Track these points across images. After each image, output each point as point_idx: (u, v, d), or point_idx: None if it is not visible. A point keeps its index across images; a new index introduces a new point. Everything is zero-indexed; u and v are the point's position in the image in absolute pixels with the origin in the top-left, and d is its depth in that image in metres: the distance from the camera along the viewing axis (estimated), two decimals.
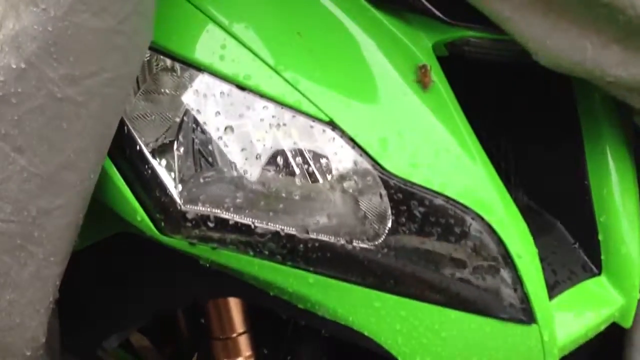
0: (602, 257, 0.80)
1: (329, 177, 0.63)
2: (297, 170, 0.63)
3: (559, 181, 0.84)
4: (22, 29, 0.49)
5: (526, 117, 0.83)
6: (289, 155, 0.63)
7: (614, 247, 0.79)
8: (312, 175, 0.63)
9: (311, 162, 0.63)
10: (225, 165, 0.63)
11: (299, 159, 0.63)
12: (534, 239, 0.73)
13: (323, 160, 0.63)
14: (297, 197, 0.63)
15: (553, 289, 0.78)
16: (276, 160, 0.63)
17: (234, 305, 0.86)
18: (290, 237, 0.62)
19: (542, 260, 0.77)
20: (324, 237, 0.63)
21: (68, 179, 0.56)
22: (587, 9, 0.57)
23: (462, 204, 0.64)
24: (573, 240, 0.83)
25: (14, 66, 0.50)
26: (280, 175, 0.62)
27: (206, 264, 0.68)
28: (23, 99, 0.51)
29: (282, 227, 0.62)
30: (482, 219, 0.65)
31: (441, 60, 0.69)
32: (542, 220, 0.86)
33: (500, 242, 0.66)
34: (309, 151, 0.63)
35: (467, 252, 0.65)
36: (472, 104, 0.73)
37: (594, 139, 0.80)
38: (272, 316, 0.84)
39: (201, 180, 0.64)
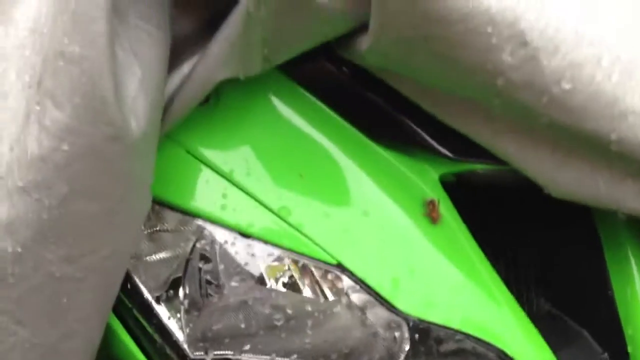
0: None
1: (341, 318, 0.62)
2: (310, 313, 0.61)
3: (583, 290, 0.81)
4: (16, 216, 0.49)
5: (544, 226, 0.81)
6: (299, 300, 0.61)
7: None
8: (326, 316, 0.61)
9: (322, 307, 0.61)
10: (240, 312, 0.62)
11: (309, 307, 0.61)
12: (559, 349, 0.71)
13: (333, 304, 0.62)
14: (308, 344, 0.61)
15: None
16: (286, 307, 0.61)
17: None
18: None
19: None
20: None
21: (71, 346, 0.55)
22: (597, 151, 0.55)
23: (484, 341, 0.62)
24: (602, 351, 0.80)
25: (9, 250, 0.50)
26: (291, 323, 0.61)
27: None
28: (21, 280, 0.51)
29: None
30: (506, 355, 0.62)
31: (451, 185, 0.68)
32: (567, 329, 0.82)
33: None
34: (320, 295, 0.61)
35: None
36: (485, 216, 0.71)
37: (614, 246, 0.77)
38: None
39: (212, 327, 0.62)
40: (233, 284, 0.61)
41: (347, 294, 0.61)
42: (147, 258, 0.64)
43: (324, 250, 0.61)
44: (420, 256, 0.63)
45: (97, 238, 0.51)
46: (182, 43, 0.57)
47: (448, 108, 0.59)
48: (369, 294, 0.61)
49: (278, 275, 0.61)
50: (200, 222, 0.61)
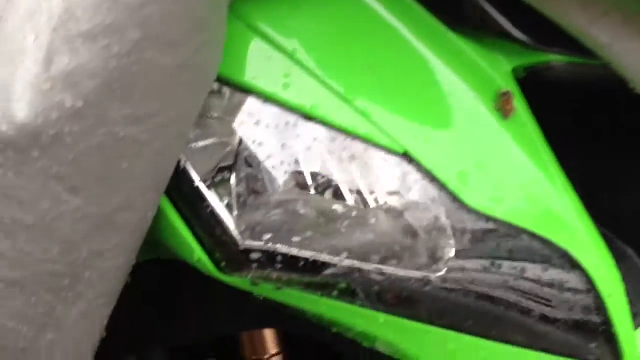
0: None
1: (403, 214, 0.59)
2: (371, 205, 0.58)
3: (630, 208, 0.79)
4: (79, 65, 0.45)
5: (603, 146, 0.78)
6: (360, 190, 0.58)
7: None
8: (386, 212, 0.58)
9: (383, 198, 0.58)
10: (291, 201, 0.58)
11: (370, 196, 0.58)
12: None
13: (396, 196, 0.58)
14: (370, 235, 0.58)
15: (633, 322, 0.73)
16: (346, 195, 0.58)
17: (268, 332, 0.84)
18: (364, 277, 0.58)
19: None
20: (401, 275, 0.58)
21: (125, 220, 0.52)
22: None
23: (549, 241, 0.60)
24: None
25: (69, 104, 0.45)
26: (353, 213, 0.58)
27: (260, 297, 0.64)
28: (79, 138, 0.47)
29: (357, 267, 0.58)
30: (570, 256, 0.60)
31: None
32: (615, 248, 0.81)
33: (589, 280, 0.61)
34: (381, 186, 0.58)
35: (554, 291, 0.60)
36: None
37: None
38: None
39: (263, 214, 0.59)
40: (290, 169, 0.58)
41: (414, 184, 0.58)
42: (194, 144, 0.60)
43: (391, 139, 0.58)
44: (490, 150, 0.60)
45: (166, 97, 0.47)
46: None
47: None
48: (436, 186, 0.58)
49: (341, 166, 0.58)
50: (255, 102, 0.58)
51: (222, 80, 0.57)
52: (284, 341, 0.87)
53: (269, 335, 0.86)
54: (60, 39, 0.44)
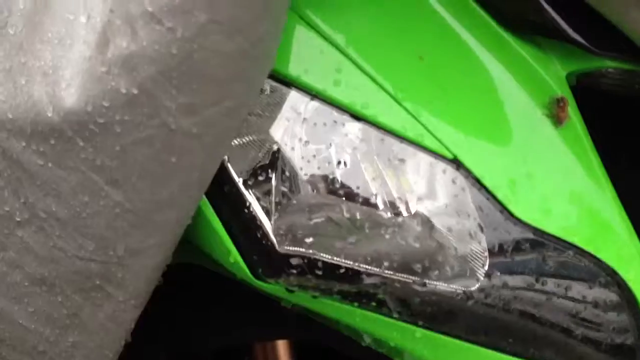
0: None
1: (448, 223, 0.56)
2: (415, 212, 0.56)
3: None
4: (139, 49, 0.41)
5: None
6: (406, 196, 0.55)
7: None
8: (430, 220, 0.56)
9: (429, 205, 0.56)
10: (334, 205, 0.55)
11: (416, 202, 0.55)
12: None
13: (442, 204, 0.56)
14: (415, 244, 0.56)
15: None
16: (391, 200, 0.55)
17: (281, 343, 0.81)
18: (405, 288, 0.55)
19: None
20: (442, 289, 0.56)
21: (166, 218, 0.49)
22: None
23: (596, 258, 0.57)
24: None
25: (123, 91, 0.42)
26: (397, 220, 0.55)
27: (289, 305, 0.61)
28: (129, 128, 0.44)
29: (398, 277, 0.55)
30: (617, 275, 0.58)
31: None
32: None
33: (635, 302, 0.59)
34: (428, 193, 0.56)
35: (598, 311, 0.58)
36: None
37: None
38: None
39: (304, 218, 0.56)
40: (336, 171, 0.55)
41: (461, 192, 0.56)
42: (234, 141, 0.57)
43: (441, 143, 0.55)
44: (541, 159, 0.57)
45: (224, 86, 0.44)
46: None
47: None
48: (484, 195, 0.56)
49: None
50: (300, 97, 0.55)
51: (274, 78, 0.54)
52: (296, 353, 0.84)
53: (282, 347, 0.83)
54: (119, 20, 0.41)
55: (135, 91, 0.43)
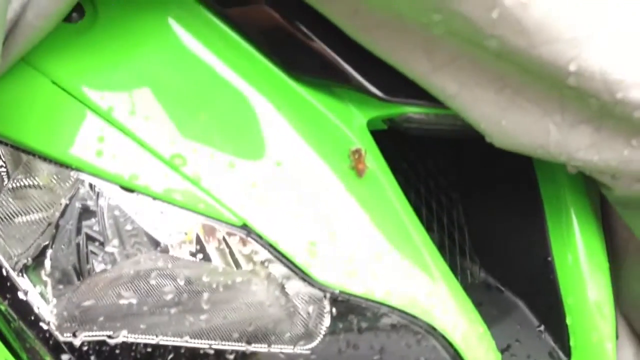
0: (571, 343, 0.70)
1: (248, 292, 0.51)
2: (211, 286, 0.51)
3: (520, 256, 0.74)
4: None
5: (481, 183, 0.73)
6: (200, 271, 0.51)
7: (583, 334, 0.69)
8: (227, 288, 0.51)
9: (225, 279, 0.51)
10: (121, 283, 0.50)
11: (208, 278, 0.50)
12: (493, 321, 0.63)
13: (237, 275, 0.51)
14: (216, 311, 0.51)
15: None
16: (183, 275, 0.50)
17: None
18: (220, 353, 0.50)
19: (504, 350, 0.68)
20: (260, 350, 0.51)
21: None
22: (550, 89, 0.46)
23: (410, 315, 0.53)
24: (538, 323, 0.73)
25: None
26: (192, 287, 0.50)
27: None
28: None
29: (208, 343, 0.50)
30: (434, 330, 0.54)
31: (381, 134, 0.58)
32: (503, 300, 0.75)
33: (457, 356, 0.55)
34: (224, 262, 0.51)
35: None
36: (421, 168, 0.62)
37: (556, 208, 0.70)
38: None
39: (84, 303, 0.51)
40: (111, 249, 0.50)
41: (254, 261, 0.51)
42: (11, 220, 0.52)
43: (226, 208, 0.50)
44: (341, 216, 0.53)
45: None
46: None
47: (380, 33, 0.49)
48: (281, 261, 0.51)
49: (171, 242, 0.50)
50: (76, 174, 0.50)
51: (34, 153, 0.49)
52: None
53: None
54: None
55: None
